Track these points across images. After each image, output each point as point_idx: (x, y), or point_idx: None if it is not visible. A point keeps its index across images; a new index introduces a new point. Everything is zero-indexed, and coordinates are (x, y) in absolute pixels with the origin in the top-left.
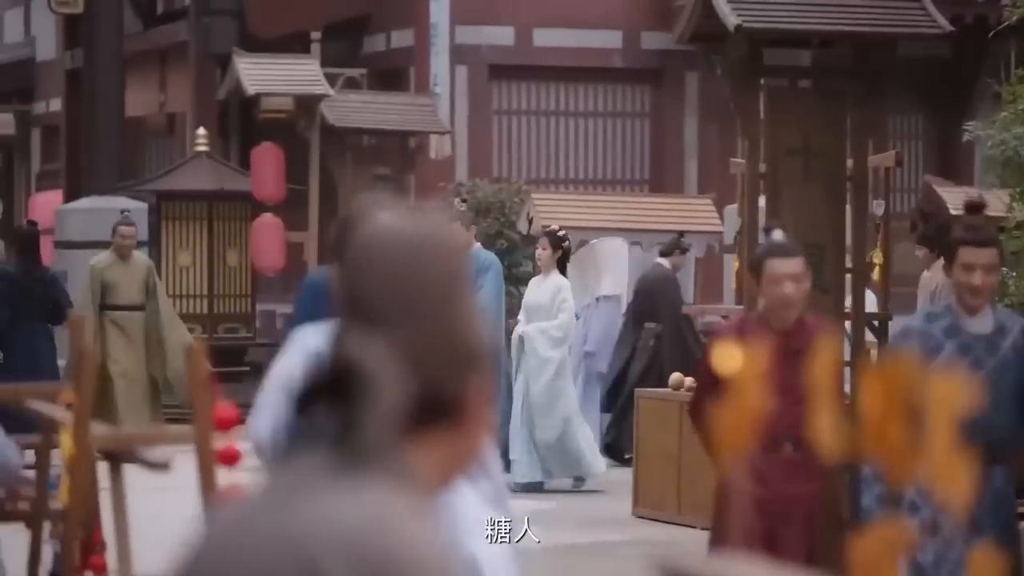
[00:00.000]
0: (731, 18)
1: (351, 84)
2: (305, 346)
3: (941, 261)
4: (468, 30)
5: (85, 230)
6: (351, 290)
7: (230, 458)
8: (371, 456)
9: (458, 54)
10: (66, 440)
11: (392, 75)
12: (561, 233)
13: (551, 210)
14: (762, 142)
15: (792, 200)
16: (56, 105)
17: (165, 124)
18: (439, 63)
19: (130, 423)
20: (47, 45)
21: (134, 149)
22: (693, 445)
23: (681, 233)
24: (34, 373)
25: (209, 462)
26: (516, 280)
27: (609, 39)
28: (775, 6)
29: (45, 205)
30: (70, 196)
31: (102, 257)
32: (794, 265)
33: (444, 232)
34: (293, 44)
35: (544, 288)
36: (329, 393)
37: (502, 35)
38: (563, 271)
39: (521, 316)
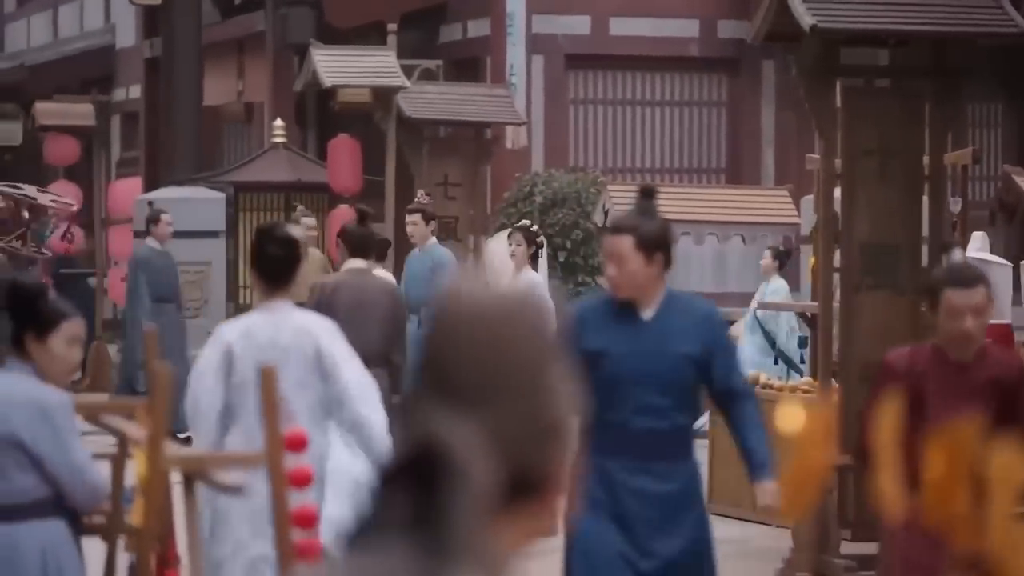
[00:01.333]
0: (806, 18)
1: (427, 75)
2: (220, 339)
3: None
4: (544, 19)
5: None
6: (436, 367)
7: (302, 479)
8: (456, 545)
9: (534, 44)
10: (140, 459)
11: (468, 65)
12: (535, 228)
13: (627, 202)
14: (838, 141)
15: (868, 200)
16: (136, 92)
17: (243, 113)
18: (515, 53)
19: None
20: (127, 32)
21: (212, 137)
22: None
23: None
24: None
25: (281, 484)
26: (592, 270)
27: (686, 28)
28: (851, 5)
29: (125, 193)
30: (149, 185)
31: None
32: (977, 296)
33: (531, 305)
34: (370, 34)
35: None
36: (410, 476)
37: (578, 24)
38: (536, 267)
39: None
